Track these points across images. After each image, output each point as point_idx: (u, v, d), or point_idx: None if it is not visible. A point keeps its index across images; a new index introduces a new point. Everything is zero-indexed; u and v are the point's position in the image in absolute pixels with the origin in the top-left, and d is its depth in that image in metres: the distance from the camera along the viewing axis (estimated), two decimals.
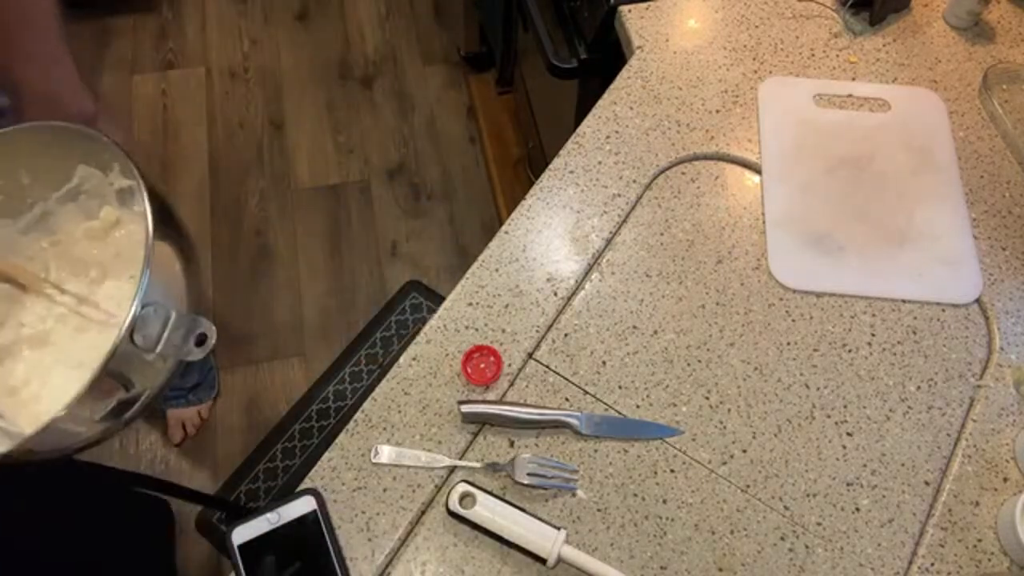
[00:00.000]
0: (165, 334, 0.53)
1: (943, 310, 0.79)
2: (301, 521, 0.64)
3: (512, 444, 0.70)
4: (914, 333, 0.78)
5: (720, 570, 0.65)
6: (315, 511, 0.65)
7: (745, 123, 0.91)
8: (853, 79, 0.96)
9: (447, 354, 0.74)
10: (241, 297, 1.81)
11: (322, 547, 0.64)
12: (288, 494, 0.65)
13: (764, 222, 0.84)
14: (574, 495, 0.68)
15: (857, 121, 0.92)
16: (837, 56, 0.98)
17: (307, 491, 0.66)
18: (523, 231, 0.82)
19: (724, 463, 0.70)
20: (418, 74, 2.19)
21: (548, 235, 0.82)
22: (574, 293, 0.79)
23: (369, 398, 0.72)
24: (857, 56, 0.98)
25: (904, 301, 0.79)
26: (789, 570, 0.65)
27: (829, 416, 0.73)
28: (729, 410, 0.73)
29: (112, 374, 0.51)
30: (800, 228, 0.83)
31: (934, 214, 0.85)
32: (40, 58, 0.69)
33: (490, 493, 0.65)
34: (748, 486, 0.69)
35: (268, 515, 0.64)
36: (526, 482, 0.67)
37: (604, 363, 0.75)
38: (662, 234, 0.83)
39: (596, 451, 0.70)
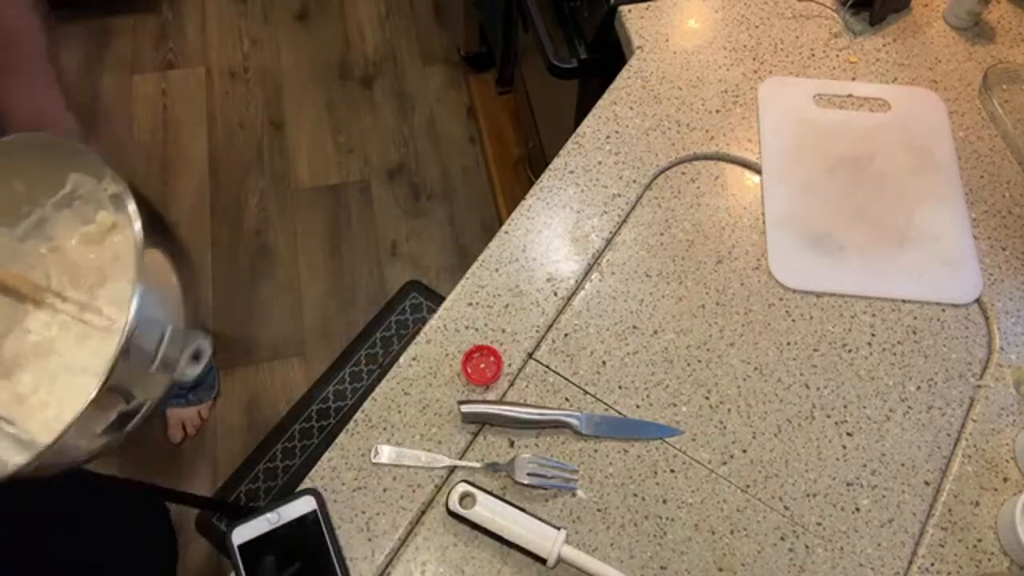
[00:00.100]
0: (161, 349, 0.53)
1: (943, 310, 0.79)
2: (301, 521, 0.64)
3: (512, 444, 0.70)
4: (914, 333, 0.78)
5: (720, 570, 0.65)
6: (315, 511, 0.65)
7: (745, 123, 0.91)
8: (853, 79, 0.96)
9: (447, 354, 0.74)
10: (241, 297, 1.81)
11: (322, 547, 0.64)
12: (288, 494, 0.65)
13: (764, 222, 0.84)
14: (574, 495, 0.68)
15: (857, 121, 0.92)
16: (837, 56, 0.98)
17: (307, 491, 0.66)
18: (523, 231, 0.82)
19: (724, 463, 0.70)
20: (418, 74, 2.19)
21: (548, 235, 0.82)
22: (574, 293, 0.79)
23: (369, 398, 0.72)
24: (857, 56, 0.98)
25: (904, 301, 0.79)
26: (789, 570, 0.65)
27: (829, 416, 0.73)
28: (729, 410, 0.73)
29: (112, 388, 0.52)
30: (800, 228, 0.83)
31: (934, 214, 0.85)
32: (26, 80, 0.69)
33: (490, 493, 0.65)
34: (748, 486, 0.69)
35: (268, 515, 0.64)
36: (526, 482, 0.67)
37: (604, 363, 0.75)
38: (662, 234, 0.83)
39: (596, 451, 0.70)
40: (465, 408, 0.69)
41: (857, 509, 0.68)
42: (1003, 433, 0.72)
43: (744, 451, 0.71)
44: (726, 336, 0.77)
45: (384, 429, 0.70)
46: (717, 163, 0.89)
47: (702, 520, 0.67)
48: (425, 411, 0.71)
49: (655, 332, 0.77)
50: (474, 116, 2.07)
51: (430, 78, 2.18)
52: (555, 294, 0.78)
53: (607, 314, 0.78)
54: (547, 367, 0.74)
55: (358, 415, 0.71)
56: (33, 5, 0.71)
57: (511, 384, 0.73)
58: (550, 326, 0.77)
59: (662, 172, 0.88)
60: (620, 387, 0.73)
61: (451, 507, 0.64)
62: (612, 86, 0.94)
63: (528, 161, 1.83)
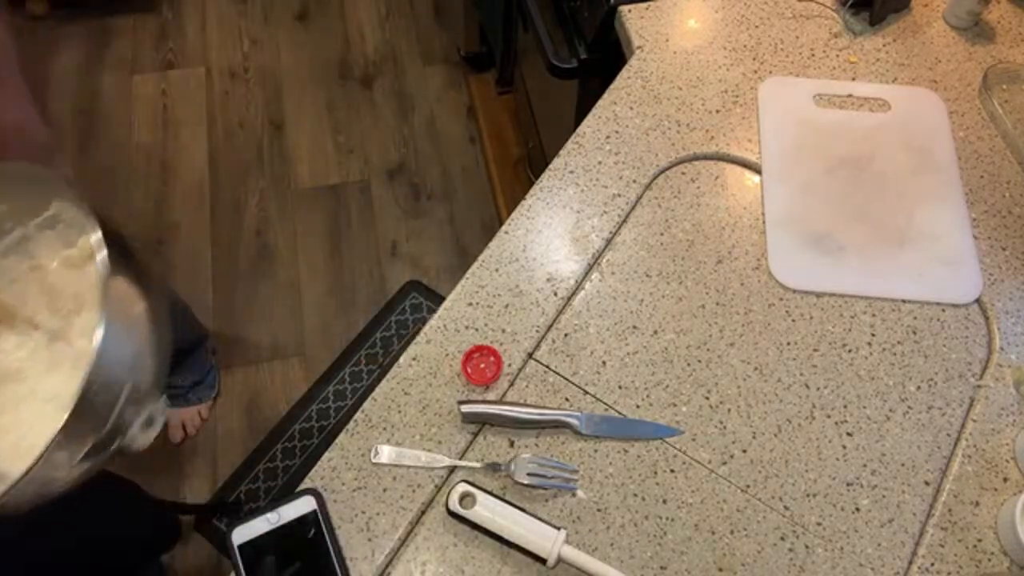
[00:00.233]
0: (117, 407, 0.52)
1: (943, 310, 0.79)
2: (301, 521, 0.64)
3: (512, 444, 0.70)
4: (914, 333, 0.78)
5: (720, 570, 0.65)
6: (315, 511, 0.65)
7: (745, 123, 0.91)
8: (853, 79, 0.96)
9: (447, 354, 0.74)
10: (241, 297, 1.81)
11: (322, 547, 0.64)
12: (288, 494, 0.65)
13: (764, 222, 0.84)
14: (574, 495, 0.68)
15: (857, 121, 0.92)
16: (837, 56, 0.98)
17: (307, 491, 0.66)
18: (523, 231, 0.82)
19: (724, 463, 0.70)
20: (418, 74, 2.19)
21: (548, 235, 0.82)
22: (574, 293, 0.79)
23: (369, 398, 0.72)
24: (857, 56, 0.98)
25: (904, 301, 0.79)
26: (789, 570, 0.65)
27: (829, 416, 0.73)
28: (729, 410, 0.73)
29: (83, 420, 0.50)
30: (800, 228, 0.83)
31: (934, 214, 0.85)
32: (0, 92, 0.69)
33: (490, 493, 0.65)
34: (748, 486, 0.69)
35: (268, 515, 0.64)
36: (526, 482, 0.67)
37: (604, 363, 0.75)
38: (662, 234, 0.83)
39: (596, 451, 0.70)
40: (465, 408, 0.69)
41: (857, 509, 0.68)
42: (1003, 433, 0.72)
43: (744, 451, 0.71)
44: (726, 336, 0.77)
45: (384, 429, 0.70)
46: (717, 163, 0.89)
47: (702, 520, 0.67)
48: (425, 411, 0.71)
49: (655, 332, 0.77)
50: (474, 116, 2.07)
51: (430, 78, 2.18)
52: (555, 294, 0.78)
53: (607, 314, 0.78)
54: (547, 367, 0.74)
55: (358, 415, 0.71)
56: (2, 18, 0.71)
57: (511, 384, 0.73)
58: (550, 326, 0.77)
59: (662, 172, 0.88)
60: (620, 387, 0.73)
61: (451, 507, 0.64)
62: (612, 86, 0.94)
63: (528, 161, 1.83)
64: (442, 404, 0.71)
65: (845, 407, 0.73)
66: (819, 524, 0.67)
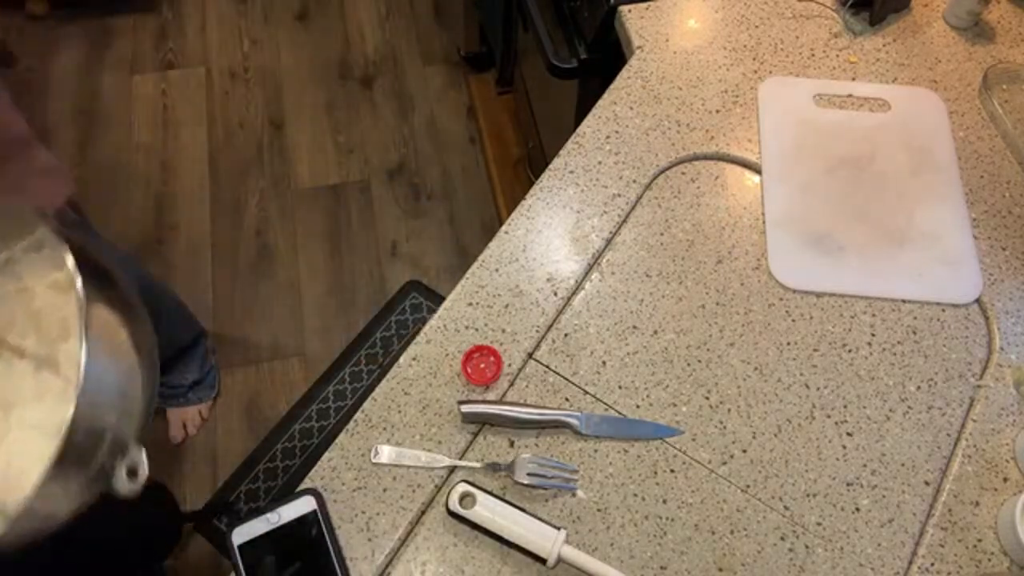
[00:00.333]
0: (99, 456, 0.51)
1: (943, 310, 0.79)
2: (301, 521, 0.64)
3: (512, 444, 0.70)
4: (914, 333, 0.78)
5: (720, 570, 0.65)
6: (315, 511, 0.65)
7: (745, 123, 0.91)
8: (853, 79, 0.96)
9: (447, 354, 0.74)
10: (241, 297, 1.81)
11: (322, 547, 0.64)
12: (288, 494, 0.65)
13: (764, 222, 0.84)
14: (574, 495, 0.68)
15: (857, 121, 0.92)
16: (837, 56, 0.98)
17: (307, 491, 0.66)
18: (523, 231, 0.82)
19: (724, 463, 0.70)
20: (418, 74, 2.19)
21: (548, 235, 0.82)
22: (574, 293, 0.79)
23: (369, 398, 0.72)
24: (857, 56, 0.98)
25: (904, 301, 0.79)
26: (789, 570, 0.65)
27: (829, 416, 0.73)
28: (729, 410, 0.73)
29: (75, 453, 0.50)
30: (800, 228, 0.83)
31: (934, 214, 0.85)
32: None
33: (490, 493, 0.65)
34: (748, 486, 0.69)
35: (268, 515, 0.64)
36: (526, 482, 0.67)
37: (604, 363, 0.75)
38: (662, 234, 0.83)
39: (596, 451, 0.70)
40: (465, 408, 0.69)
41: (857, 509, 0.68)
42: (1003, 433, 0.72)
43: (744, 451, 0.71)
44: (726, 336, 0.77)
45: (384, 429, 0.70)
46: (717, 163, 0.89)
47: (702, 520, 0.67)
48: (425, 411, 0.71)
49: (655, 332, 0.77)
50: (474, 116, 2.07)
51: (430, 78, 2.18)
52: (555, 294, 0.78)
53: (607, 314, 0.78)
54: (547, 367, 0.74)
55: (358, 415, 0.71)
56: None
57: (511, 384, 0.73)
58: (550, 326, 0.77)
59: (662, 172, 0.88)
60: (620, 387, 0.73)
61: (451, 507, 0.64)
62: (612, 86, 0.94)
63: (528, 161, 1.83)
64: (442, 404, 0.71)
65: (845, 407, 0.73)
66: (819, 524, 0.67)
